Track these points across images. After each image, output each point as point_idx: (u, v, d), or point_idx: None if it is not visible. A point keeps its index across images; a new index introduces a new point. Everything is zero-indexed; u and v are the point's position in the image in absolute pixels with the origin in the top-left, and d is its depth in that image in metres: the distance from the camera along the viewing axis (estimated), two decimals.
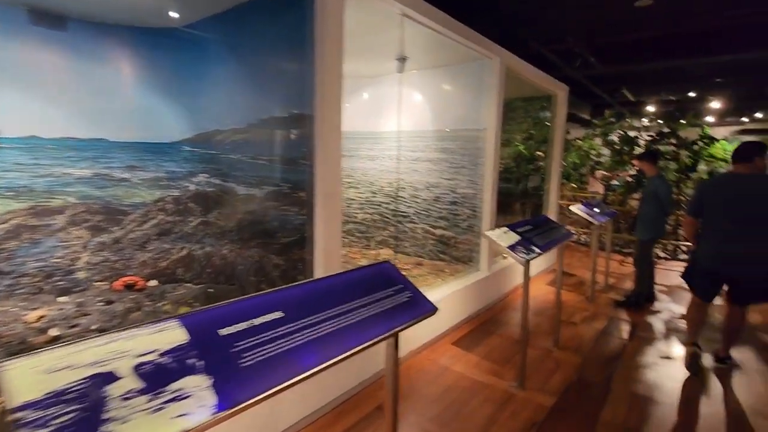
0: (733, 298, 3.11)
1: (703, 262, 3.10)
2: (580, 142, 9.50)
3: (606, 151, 8.58)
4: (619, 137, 7.91)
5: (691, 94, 9.30)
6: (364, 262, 4.79)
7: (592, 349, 3.51)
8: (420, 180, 4.68)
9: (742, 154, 2.96)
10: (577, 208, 4.52)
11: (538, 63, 5.35)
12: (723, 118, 12.23)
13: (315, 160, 2.34)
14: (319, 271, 2.41)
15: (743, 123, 12.17)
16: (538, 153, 6.25)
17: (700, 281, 3.14)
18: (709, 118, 12.43)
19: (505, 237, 2.81)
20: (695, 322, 3.24)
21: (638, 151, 7.48)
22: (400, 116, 4.76)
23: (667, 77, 9.10)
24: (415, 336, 3.30)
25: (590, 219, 4.38)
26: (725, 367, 3.23)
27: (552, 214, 6.02)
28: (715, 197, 3.02)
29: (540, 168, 6.17)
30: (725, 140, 7.65)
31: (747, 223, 2.85)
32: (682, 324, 4.09)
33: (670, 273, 6.07)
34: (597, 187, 9.12)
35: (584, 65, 7.67)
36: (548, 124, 6.04)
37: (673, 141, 7.00)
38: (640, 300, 4.54)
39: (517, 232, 2.95)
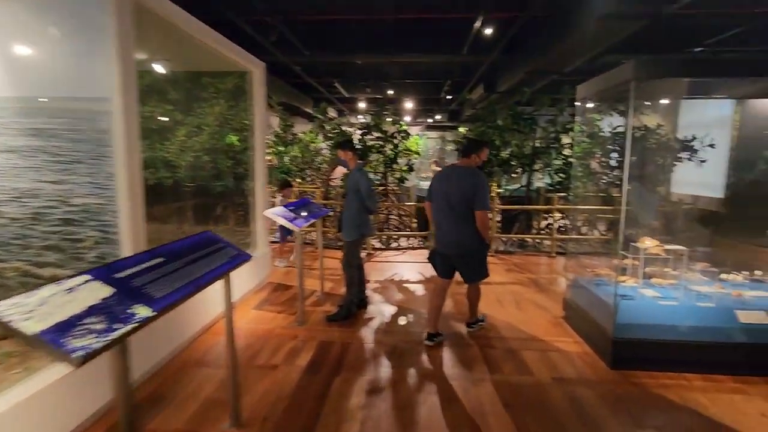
0: (451, 274, 3.42)
1: (436, 243, 3.44)
2: (302, 135, 9.03)
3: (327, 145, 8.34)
4: (335, 130, 7.70)
5: (390, 92, 10.37)
6: None
7: (286, 410, 2.56)
8: None
9: (462, 150, 3.37)
10: (272, 212, 3.55)
11: (238, 39, 4.17)
12: (416, 118, 14.63)
13: None
14: None
15: (428, 123, 14.86)
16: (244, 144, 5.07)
17: (436, 260, 3.47)
18: (407, 118, 14.56)
19: (82, 295, 1.38)
20: (434, 296, 3.54)
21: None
22: None
23: (371, 74, 9.71)
24: None
25: (287, 224, 3.48)
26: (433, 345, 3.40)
27: (260, 218, 4.98)
28: (436, 186, 3.35)
29: (244, 162, 5.02)
30: (417, 136, 8.54)
31: (450, 208, 3.21)
32: (390, 337, 3.71)
33: (384, 265, 6.11)
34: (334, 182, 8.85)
35: (291, 49, 7.03)
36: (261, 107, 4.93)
37: (379, 135, 7.22)
38: (353, 309, 4.02)
39: (112, 282, 1.57)
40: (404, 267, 6.02)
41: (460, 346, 3.45)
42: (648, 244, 3.30)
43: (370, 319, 4.00)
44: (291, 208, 3.96)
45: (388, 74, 9.57)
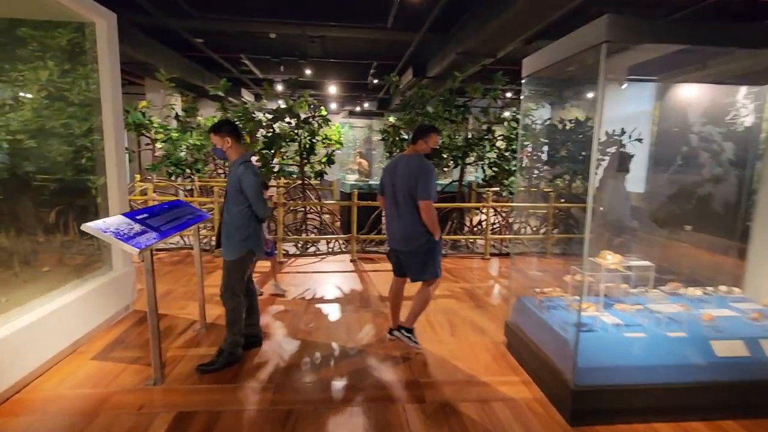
0: (404, 273, 3.16)
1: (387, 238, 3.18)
2: (201, 119, 7.58)
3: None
4: (241, 114, 6.41)
5: (308, 72, 9.17)
6: None
7: None
8: None
9: (411, 136, 3.05)
10: (93, 226, 2.35)
11: None
12: (342, 106, 13.54)
13: None
14: None
15: (351, 110, 13.76)
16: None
17: (390, 257, 3.22)
18: (332, 105, 13.42)
19: None
20: (390, 294, 3.32)
21: (266, 133, 6.19)
22: None
23: (286, 51, 8.47)
24: None
25: (120, 244, 2.30)
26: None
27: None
28: (385, 177, 3.07)
29: (89, 149, 3.65)
30: (339, 124, 7.52)
31: (396, 200, 2.97)
32: (285, 394, 2.70)
33: (297, 278, 5.04)
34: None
35: (172, 7, 5.60)
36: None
37: (291, 121, 6.08)
38: (237, 353, 2.95)
39: None
40: (322, 279, 5.02)
41: (381, 401, 2.55)
42: (611, 259, 2.64)
43: (262, 365, 2.96)
44: (142, 216, 2.77)
45: (307, 52, 8.38)
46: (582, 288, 2.44)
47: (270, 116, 6.30)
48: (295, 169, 6.73)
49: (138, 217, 2.71)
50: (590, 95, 8.60)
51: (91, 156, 3.61)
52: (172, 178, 6.80)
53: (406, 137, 6.61)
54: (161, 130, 6.63)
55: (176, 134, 6.77)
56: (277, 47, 8.55)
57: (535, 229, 7.19)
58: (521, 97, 3.00)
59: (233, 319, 2.89)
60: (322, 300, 4.31)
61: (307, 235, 6.51)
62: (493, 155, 6.61)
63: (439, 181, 8.25)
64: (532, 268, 6.02)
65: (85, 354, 3.04)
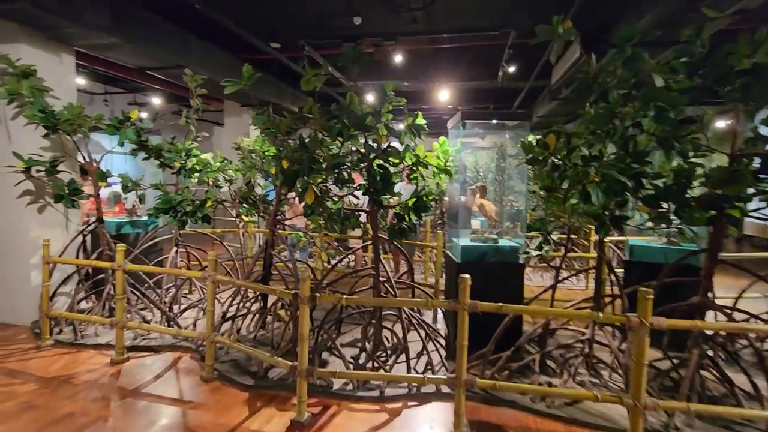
0: None
1: None
2: (244, 141, 5.16)
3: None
4: (265, 126, 3.75)
5: (400, 60, 6.06)
6: None
7: None
8: None
9: None
10: None
11: None
12: (454, 117, 10.30)
13: None
14: None
15: (474, 113, 10.34)
16: None
17: None
18: (450, 124, 10.29)
19: None
20: None
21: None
22: None
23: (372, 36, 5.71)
24: None
25: None
26: None
27: None
28: None
29: None
30: (444, 139, 4.32)
31: None
32: None
33: None
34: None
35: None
36: None
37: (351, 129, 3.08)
38: None
39: None
40: None
41: None
42: None
43: None
44: None
45: (395, 31, 5.48)
46: None
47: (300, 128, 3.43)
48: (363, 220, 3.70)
49: None
50: None
51: None
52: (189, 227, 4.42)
53: (593, 156, 2.92)
54: (180, 156, 4.34)
55: (190, 163, 4.40)
56: (364, 35, 5.86)
57: None
58: None
59: None
60: None
61: (376, 346, 3.29)
62: None
63: (638, 242, 4.25)
64: None
65: None
